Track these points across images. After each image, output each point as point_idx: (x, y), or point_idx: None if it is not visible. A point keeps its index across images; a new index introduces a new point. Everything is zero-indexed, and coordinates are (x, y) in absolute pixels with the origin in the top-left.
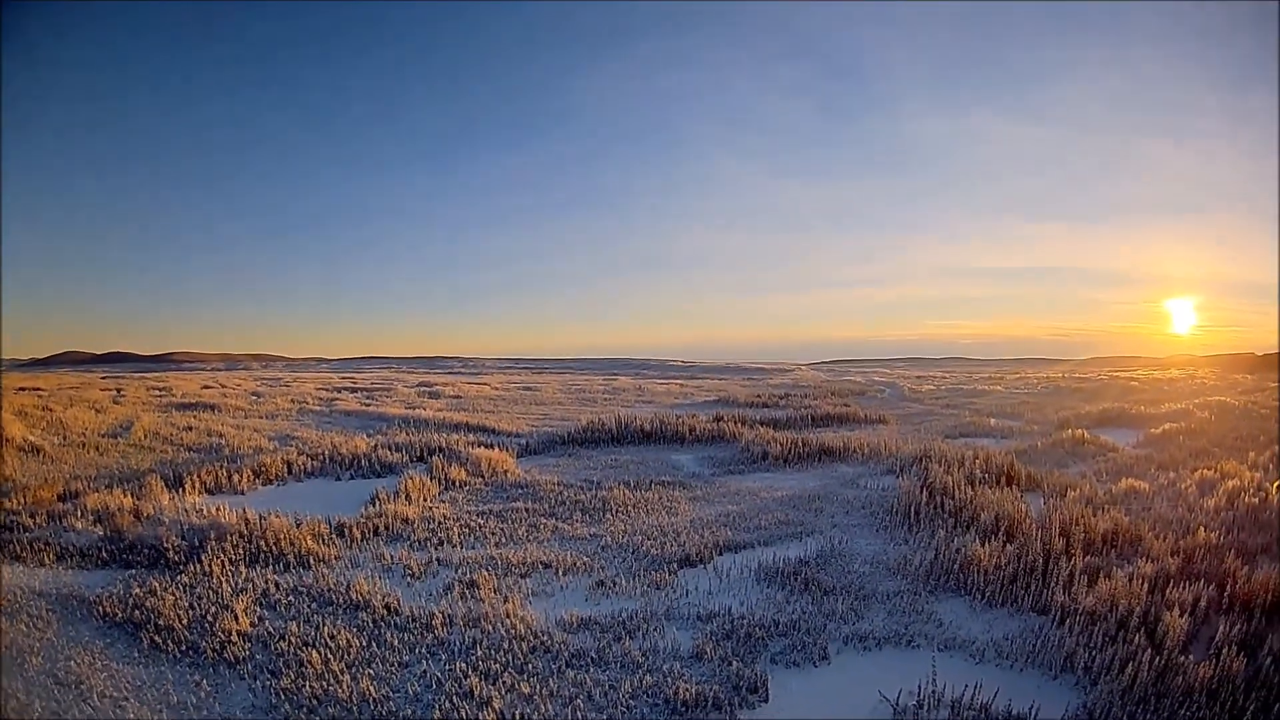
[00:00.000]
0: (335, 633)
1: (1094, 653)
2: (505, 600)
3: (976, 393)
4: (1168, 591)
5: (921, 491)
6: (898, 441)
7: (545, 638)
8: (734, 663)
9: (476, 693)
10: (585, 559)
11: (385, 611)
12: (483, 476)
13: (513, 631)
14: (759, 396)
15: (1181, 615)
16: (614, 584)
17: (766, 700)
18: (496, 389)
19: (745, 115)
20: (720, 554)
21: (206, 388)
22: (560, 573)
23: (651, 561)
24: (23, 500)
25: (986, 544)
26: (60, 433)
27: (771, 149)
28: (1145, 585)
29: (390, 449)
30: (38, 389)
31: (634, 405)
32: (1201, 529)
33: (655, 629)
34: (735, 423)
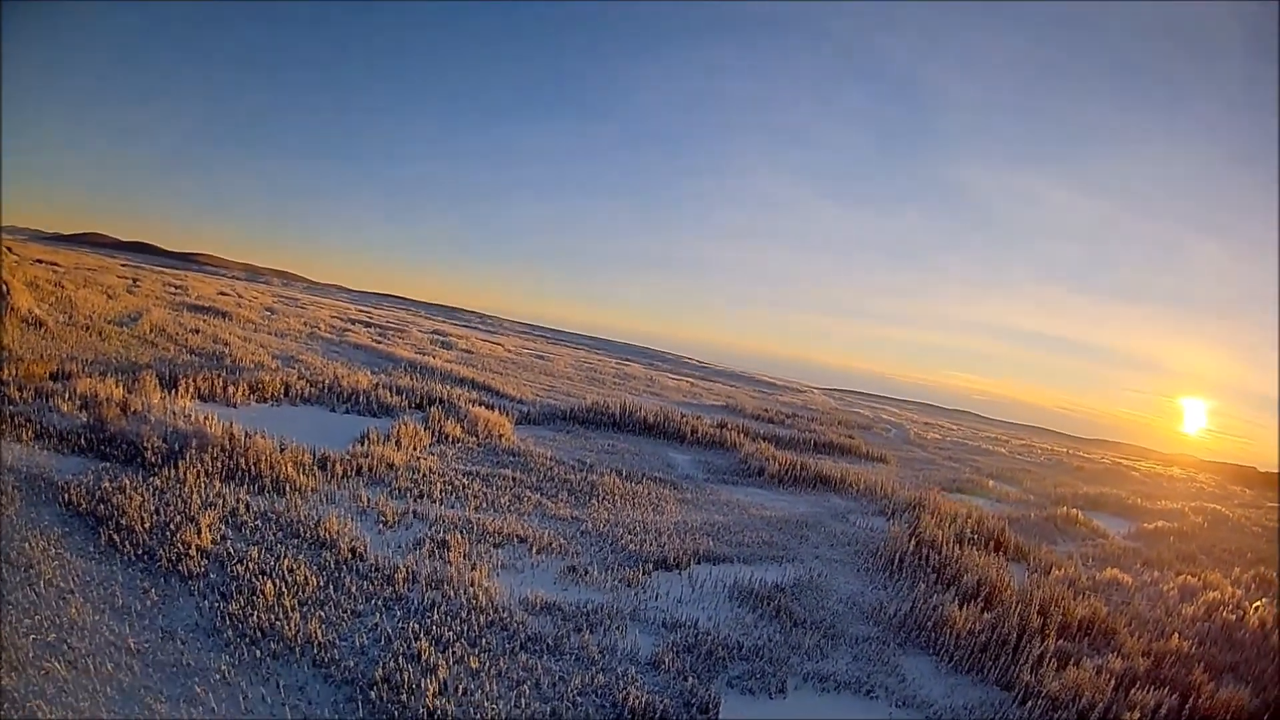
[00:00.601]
0: (295, 567)
1: None
2: (473, 567)
3: (981, 450)
4: (1132, 692)
5: (909, 540)
6: (895, 484)
7: (505, 614)
8: (690, 678)
9: (424, 657)
10: (562, 541)
11: (350, 555)
12: (477, 436)
13: (474, 602)
14: (766, 411)
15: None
16: (585, 572)
17: None
18: (509, 351)
19: (802, 132)
20: (698, 563)
21: (223, 294)
22: (534, 550)
23: (628, 557)
24: (14, 372)
25: (964, 607)
26: (67, 311)
27: (821, 170)
28: (1111, 681)
29: (391, 391)
30: (54, 264)
31: (641, 394)
32: (1176, 635)
33: (618, 627)
34: (738, 432)
